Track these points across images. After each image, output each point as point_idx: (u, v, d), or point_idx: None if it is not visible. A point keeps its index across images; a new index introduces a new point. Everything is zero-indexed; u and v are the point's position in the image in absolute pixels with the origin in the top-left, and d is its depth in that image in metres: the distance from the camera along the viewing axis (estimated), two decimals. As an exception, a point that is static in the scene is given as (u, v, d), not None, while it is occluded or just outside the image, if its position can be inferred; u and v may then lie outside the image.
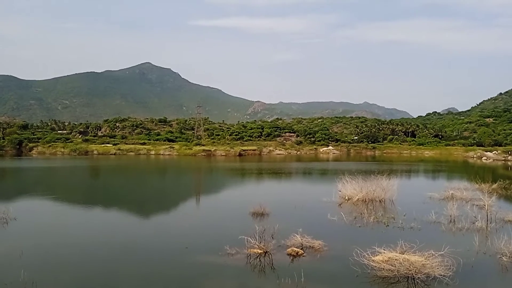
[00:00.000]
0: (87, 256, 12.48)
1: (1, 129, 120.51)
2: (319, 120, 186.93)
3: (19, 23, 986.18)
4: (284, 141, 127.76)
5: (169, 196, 29.03)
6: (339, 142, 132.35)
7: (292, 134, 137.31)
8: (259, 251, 12.21)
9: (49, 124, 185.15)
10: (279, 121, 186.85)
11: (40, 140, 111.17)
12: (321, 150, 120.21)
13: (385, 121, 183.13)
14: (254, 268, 11.23)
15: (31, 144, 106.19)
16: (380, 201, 22.33)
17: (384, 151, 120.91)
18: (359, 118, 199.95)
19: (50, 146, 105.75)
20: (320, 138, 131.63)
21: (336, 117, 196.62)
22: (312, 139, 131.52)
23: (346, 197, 22.61)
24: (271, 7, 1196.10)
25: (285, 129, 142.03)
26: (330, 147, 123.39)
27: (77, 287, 9.87)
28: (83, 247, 13.48)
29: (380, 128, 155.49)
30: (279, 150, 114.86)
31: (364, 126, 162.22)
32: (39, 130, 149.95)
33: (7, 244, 13.87)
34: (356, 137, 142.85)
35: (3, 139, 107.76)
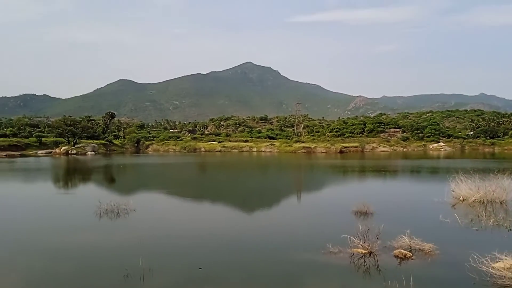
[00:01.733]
0: (195, 248, 13.27)
1: (122, 129, 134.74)
2: (428, 114, 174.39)
3: (136, 31, 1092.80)
4: (389, 137, 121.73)
5: (271, 192, 29.54)
6: (451, 138, 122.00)
7: (397, 129, 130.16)
8: (363, 251, 11.80)
9: (162, 123, 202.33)
10: (383, 116, 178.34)
11: (155, 139, 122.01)
12: (431, 147, 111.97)
13: (506, 114, 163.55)
14: (358, 268, 10.88)
15: (147, 142, 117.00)
16: (501, 202, 20.03)
17: (505, 148, 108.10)
18: (475, 111, 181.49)
19: (163, 144, 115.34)
20: (430, 134, 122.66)
21: (448, 111, 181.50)
22: (420, 134, 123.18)
23: (461, 198, 20.70)
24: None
25: (389, 124, 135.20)
26: (441, 144, 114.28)
27: (189, 275, 10.58)
28: (193, 239, 14.40)
29: (500, 122, 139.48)
30: (383, 146, 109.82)
31: (480, 120, 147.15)
32: (154, 129, 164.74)
33: (128, 233, 15.41)
34: (472, 132, 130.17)
35: (124, 138, 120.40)
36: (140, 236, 14.55)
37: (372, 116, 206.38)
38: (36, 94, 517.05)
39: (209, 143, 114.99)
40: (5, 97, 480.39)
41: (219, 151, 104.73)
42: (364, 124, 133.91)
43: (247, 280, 10.28)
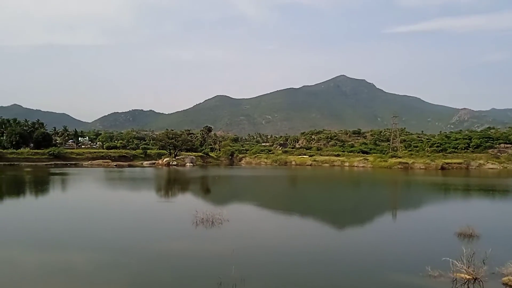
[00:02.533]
0: (286, 260, 13.34)
1: (218, 142, 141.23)
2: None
3: (232, 48, 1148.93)
4: (498, 154, 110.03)
5: (364, 209, 28.54)
6: None
7: (508, 145, 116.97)
8: (468, 277, 10.83)
9: (254, 137, 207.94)
10: (492, 131, 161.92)
11: (247, 152, 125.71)
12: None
13: None
14: (461, 295, 10.03)
15: (240, 155, 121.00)
16: None
17: None
18: None
19: (255, 156, 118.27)
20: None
21: None
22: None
23: None
24: (480, 2, 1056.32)
25: (499, 139, 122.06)
26: None
27: (280, 287, 10.68)
28: (284, 251, 14.52)
29: None
30: (492, 163, 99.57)
31: None
32: (247, 142, 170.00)
33: (222, 242, 16.04)
34: None
35: (219, 150, 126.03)
36: (233, 246, 15.05)
37: (479, 130, 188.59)
38: (143, 109, 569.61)
39: (300, 156, 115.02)
40: (117, 112, 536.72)
41: (310, 165, 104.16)
42: (470, 139, 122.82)
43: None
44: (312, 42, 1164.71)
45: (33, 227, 18.83)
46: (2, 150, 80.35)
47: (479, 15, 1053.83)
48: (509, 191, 42.71)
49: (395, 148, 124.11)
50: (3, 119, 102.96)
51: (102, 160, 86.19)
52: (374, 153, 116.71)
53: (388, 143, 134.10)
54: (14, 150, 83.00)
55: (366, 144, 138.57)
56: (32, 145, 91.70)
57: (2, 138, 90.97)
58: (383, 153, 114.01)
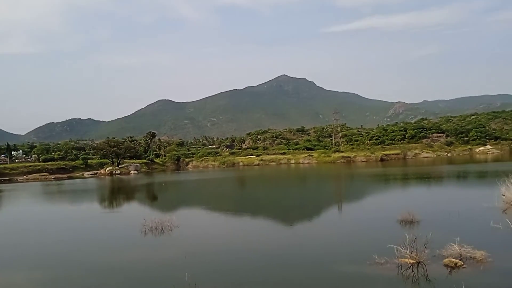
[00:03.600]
0: (239, 262, 13.33)
1: (163, 148, 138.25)
2: (472, 117, 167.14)
3: (173, 52, 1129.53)
4: (432, 143, 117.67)
5: (311, 204, 29.23)
6: (498, 140, 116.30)
7: (440, 134, 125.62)
8: (411, 261, 11.39)
9: (200, 140, 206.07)
10: (424, 121, 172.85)
11: (194, 155, 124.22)
12: (477, 150, 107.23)
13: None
14: (406, 279, 10.52)
15: (187, 159, 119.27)
16: (559, 206, 18.81)
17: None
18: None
19: (202, 160, 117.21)
20: (475, 137, 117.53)
21: (494, 112, 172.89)
22: (465, 138, 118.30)
23: (513, 202, 19.63)
24: (407, 1, 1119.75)
25: (431, 129, 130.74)
26: (488, 146, 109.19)
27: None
28: (236, 254, 14.47)
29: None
30: (426, 152, 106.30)
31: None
32: (193, 146, 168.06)
33: (173, 249, 15.70)
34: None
35: (165, 156, 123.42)
36: (185, 252, 14.78)
37: (413, 121, 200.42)
38: (81, 118, 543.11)
39: (247, 157, 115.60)
40: (52, 122, 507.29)
41: (257, 165, 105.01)
42: (405, 130, 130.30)
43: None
44: (253, 43, 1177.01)
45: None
46: None
47: (408, 13, 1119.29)
48: (443, 177, 45.75)
49: (338, 143, 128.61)
50: None
51: (39, 174, 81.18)
52: (318, 149, 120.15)
53: (331, 138, 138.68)
54: None
55: (310, 141, 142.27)
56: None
57: None
58: (327, 149, 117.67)
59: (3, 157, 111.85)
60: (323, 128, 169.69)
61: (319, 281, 10.89)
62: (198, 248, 15.50)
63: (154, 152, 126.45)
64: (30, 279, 12.57)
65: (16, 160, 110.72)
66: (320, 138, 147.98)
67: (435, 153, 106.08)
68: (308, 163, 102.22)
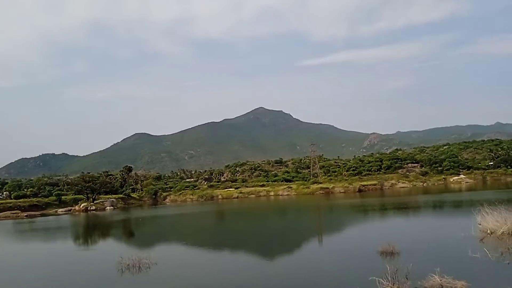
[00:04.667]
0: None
1: (140, 182, 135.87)
2: (445, 147, 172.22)
3: (149, 86, 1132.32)
4: (407, 173, 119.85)
5: (291, 237, 29.02)
6: (471, 169, 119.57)
7: (415, 164, 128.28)
8: (394, 294, 11.39)
9: (178, 173, 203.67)
10: (399, 152, 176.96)
11: (172, 189, 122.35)
12: (452, 180, 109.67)
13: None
14: (389, 312, 10.48)
15: (164, 193, 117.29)
16: (532, 234, 19.28)
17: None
18: (493, 140, 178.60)
19: (180, 194, 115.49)
20: (449, 167, 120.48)
21: (465, 142, 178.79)
22: (439, 168, 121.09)
23: (488, 231, 20.03)
24: (379, 35, 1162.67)
25: (406, 159, 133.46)
26: (462, 176, 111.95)
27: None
28: (217, 289, 14.16)
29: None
30: (402, 182, 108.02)
31: (499, 149, 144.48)
32: (171, 180, 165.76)
33: (151, 287, 15.23)
34: (492, 163, 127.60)
35: (142, 190, 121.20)
36: (163, 290, 14.35)
37: (388, 152, 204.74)
38: (55, 153, 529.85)
39: (226, 190, 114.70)
40: (25, 158, 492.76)
41: (236, 197, 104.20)
42: (381, 161, 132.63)
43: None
44: (230, 76, 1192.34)
45: None
46: None
47: (380, 47, 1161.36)
48: (420, 207, 46.42)
49: (316, 174, 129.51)
50: None
51: (10, 212, 77.90)
52: (297, 180, 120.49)
53: (309, 170, 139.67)
54: None
55: (288, 172, 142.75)
56: None
57: None
58: (305, 180, 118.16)
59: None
60: (301, 160, 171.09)
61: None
62: (177, 285, 15.11)
63: (131, 187, 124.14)
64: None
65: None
66: (298, 169, 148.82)
67: (411, 183, 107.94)
68: (287, 194, 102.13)
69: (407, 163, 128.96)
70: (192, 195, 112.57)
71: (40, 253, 28.32)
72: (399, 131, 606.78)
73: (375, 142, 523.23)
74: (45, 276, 18.61)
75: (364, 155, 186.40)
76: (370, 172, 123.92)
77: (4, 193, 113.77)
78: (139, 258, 18.42)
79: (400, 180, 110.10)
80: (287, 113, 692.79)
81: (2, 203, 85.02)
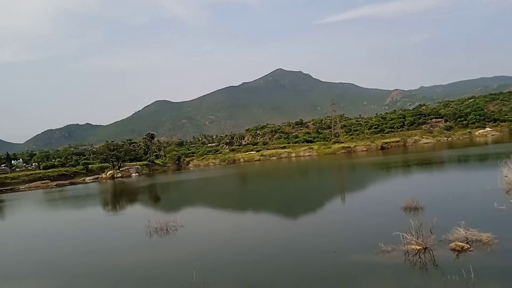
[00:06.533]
0: (246, 258, 13.35)
1: (163, 148, 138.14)
2: (470, 100, 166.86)
3: (167, 53, 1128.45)
4: (431, 128, 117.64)
5: (314, 196, 29.23)
6: (497, 122, 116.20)
7: (439, 119, 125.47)
8: (418, 247, 11.41)
9: (200, 139, 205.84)
10: (423, 107, 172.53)
11: (194, 154, 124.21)
12: (477, 133, 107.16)
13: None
14: (414, 265, 10.53)
15: (187, 159, 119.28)
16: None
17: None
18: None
19: (203, 158, 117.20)
20: (474, 120, 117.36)
21: (491, 94, 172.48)
22: (464, 122, 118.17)
23: (516, 183, 19.63)
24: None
25: (430, 115, 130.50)
26: (488, 129, 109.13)
27: (244, 286, 10.62)
28: (242, 249, 14.48)
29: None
30: (426, 138, 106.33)
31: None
32: (193, 145, 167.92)
33: (180, 248, 15.72)
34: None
35: (165, 156, 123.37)
36: (191, 251, 14.81)
37: (411, 108, 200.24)
38: (79, 123, 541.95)
39: (247, 153, 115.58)
40: (51, 129, 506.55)
41: (258, 160, 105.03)
42: (404, 118, 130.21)
43: (303, 286, 10.17)
44: (247, 39, 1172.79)
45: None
46: None
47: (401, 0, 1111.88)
48: (445, 162, 45.77)
49: (337, 134, 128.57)
50: None
51: (40, 182, 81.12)
52: (318, 141, 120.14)
53: (330, 130, 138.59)
54: None
55: (309, 133, 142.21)
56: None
57: None
58: (326, 140, 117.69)
59: (3, 167, 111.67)
60: (322, 120, 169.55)
61: (327, 271, 10.91)
62: (204, 246, 15.50)
63: (154, 153, 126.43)
64: (41, 286, 12.58)
65: (17, 169, 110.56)
66: (319, 130, 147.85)
67: (435, 138, 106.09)
68: (308, 155, 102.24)
69: (431, 119, 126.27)
70: (215, 159, 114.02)
71: (71, 220, 29.50)
72: (422, 86, 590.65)
73: (398, 99, 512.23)
74: (78, 243, 19.43)
75: (387, 112, 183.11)
76: (392, 129, 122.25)
77: (33, 164, 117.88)
78: (166, 222, 18.95)
79: (423, 136, 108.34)
80: (306, 74, 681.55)
81: (32, 174, 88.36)
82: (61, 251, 17.47)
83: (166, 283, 11.39)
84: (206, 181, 56.21)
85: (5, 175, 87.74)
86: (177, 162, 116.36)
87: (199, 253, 14.35)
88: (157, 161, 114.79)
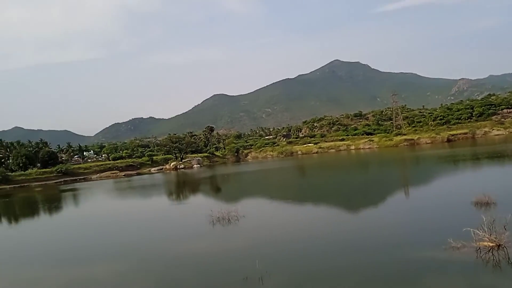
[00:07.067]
0: (307, 250, 13.40)
1: (222, 141, 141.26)
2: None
3: (223, 46, 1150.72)
4: (502, 119, 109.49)
5: (375, 190, 28.54)
6: None
7: (511, 110, 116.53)
8: (491, 244, 10.87)
9: (257, 131, 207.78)
10: (492, 97, 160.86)
11: (252, 147, 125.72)
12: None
13: None
14: (486, 263, 10.07)
15: (246, 151, 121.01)
16: None
17: None
18: None
19: (261, 150, 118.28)
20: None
21: None
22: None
23: None
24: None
25: (501, 105, 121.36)
26: None
27: (306, 277, 10.77)
28: (304, 241, 14.57)
29: None
30: (497, 130, 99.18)
31: None
32: (250, 137, 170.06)
33: (242, 238, 16.18)
34: None
35: (224, 149, 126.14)
36: (253, 241, 15.19)
37: (479, 98, 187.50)
38: (143, 117, 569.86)
39: (305, 145, 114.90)
40: (118, 123, 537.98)
41: (316, 153, 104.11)
42: (472, 108, 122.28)
43: (365, 281, 10.05)
44: (302, 30, 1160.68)
45: (53, 244, 19.02)
46: (10, 173, 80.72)
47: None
48: (518, 155, 42.61)
49: (399, 126, 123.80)
50: (7, 142, 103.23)
51: (110, 172, 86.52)
52: (378, 133, 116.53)
53: (391, 121, 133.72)
54: (22, 172, 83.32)
55: (369, 125, 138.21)
56: (39, 164, 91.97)
57: (8, 161, 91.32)
58: (387, 132, 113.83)
59: (76, 158, 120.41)
60: (382, 112, 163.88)
61: (393, 267, 10.72)
62: (265, 237, 15.82)
63: (214, 146, 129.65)
64: (109, 271, 13.55)
65: (89, 160, 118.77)
66: (379, 122, 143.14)
67: (507, 130, 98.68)
68: (369, 148, 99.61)
69: (502, 109, 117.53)
70: (272, 151, 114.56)
71: (139, 208, 31.28)
72: (492, 75, 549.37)
73: (464, 88, 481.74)
74: (145, 230, 20.63)
75: (452, 103, 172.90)
76: (459, 121, 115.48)
77: (103, 155, 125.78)
78: (228, 212, 19.52)
79: (494, 128, 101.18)
80: (364, 64, 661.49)
81: (102, 164, 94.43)
82: (130, 237, 18.64)
83: (229, 271, 11.79)
84: (265, 173, 56.77)
85: (78, 166, 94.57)
86: (236, 154, 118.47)
87: (261, 243, 14.67)
88: (216, 153, 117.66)
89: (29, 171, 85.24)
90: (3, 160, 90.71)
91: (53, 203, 41.69)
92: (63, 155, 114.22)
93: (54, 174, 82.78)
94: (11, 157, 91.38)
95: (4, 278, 13.87)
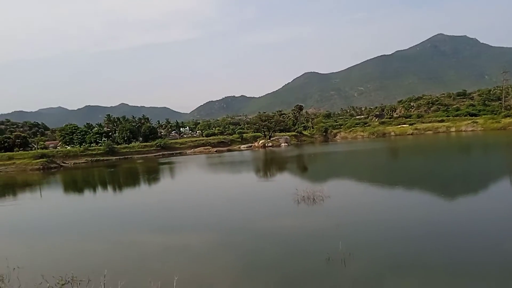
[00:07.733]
0: (393, 235, 12.87)
1: (310, 120, 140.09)
2: None
3: (314, 24, 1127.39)
4: None
5: (476, 176, 26.07)
6: None
7: None
8: None
9: (348, 111, 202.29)
10: None
11: (342, 127, 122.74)
12: None
13: None
14: None
15: (335, 131, 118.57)
16: None
17: None
18: None
19: (351, 131, 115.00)
20: None
21: None
22: None
23: None
24: None
25: None
26: None
27: (390, 261, 10.32)
28: (389, 226, 13.99)
29: None
30: None
31: None
32: (340, 117, 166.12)
33: (326, 218, 16.03)
34: None
35: (312, 128, 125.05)
36: (337, 222, 14.96)
37: None
38: (235, 95, 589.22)
39: (399, 126, 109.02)
40: (211, 101, 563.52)
41: (411, 134, 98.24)
42: None
43: (456, 277, 9.38)
44: (403, 2, 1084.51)
45: (150, 213, 20.71)
46: (116, 146, 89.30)
47: None
48: None
49: (509, 107, 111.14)
50: (114, 117, 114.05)
51: (203, 147, 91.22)
52: (484, 114, 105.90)
53: (500, 102, 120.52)
54: (127, 145, 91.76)
55: (473, 105, 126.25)
56: (141, 139, 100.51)
57: (115, 135, 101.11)
58: (495, 114, 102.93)
59: (173, 133, 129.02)
60: (490, 91, 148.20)
61: (487, 262, 9.80)
62: (350, 218, 15.47)
63: (302, 125, 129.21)
64: (200, 240, 14.37)
65: (184, 136, 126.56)
66: (486, 102, 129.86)
67: None
68: (471, 130, 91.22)
69: None
70: (363, 132, 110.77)
71: (230, 182, 32.63)
72: None
73: None
74: (234, 202, 21.47)
75: None
76: None
77: (197, 131, 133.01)
78: (313, 191, 19.43)
79: None
80: (472, 38, 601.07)
81: (196, 140, 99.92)
82: (220, 210, 19.59)
83: (312, 250, 11.79)
84: (353, 154, 55.25)
85: (175, 141, 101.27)
86: (324, 133, 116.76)
87: (345, 225, 14.40)
88: (304, 132, 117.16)
89: (132, 144, 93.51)
90: (110, 134, 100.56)
91: (152, 175, 45.31)
92: (162, 130, 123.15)
93: (154, 148, 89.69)
94: (117, 131, 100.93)
95: (107, 240, 15.53)
